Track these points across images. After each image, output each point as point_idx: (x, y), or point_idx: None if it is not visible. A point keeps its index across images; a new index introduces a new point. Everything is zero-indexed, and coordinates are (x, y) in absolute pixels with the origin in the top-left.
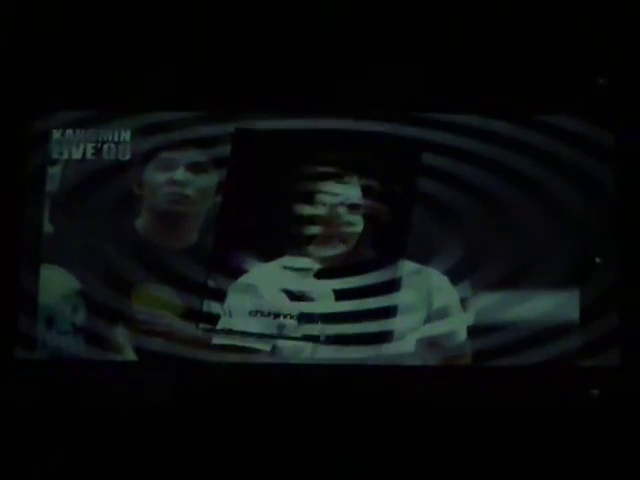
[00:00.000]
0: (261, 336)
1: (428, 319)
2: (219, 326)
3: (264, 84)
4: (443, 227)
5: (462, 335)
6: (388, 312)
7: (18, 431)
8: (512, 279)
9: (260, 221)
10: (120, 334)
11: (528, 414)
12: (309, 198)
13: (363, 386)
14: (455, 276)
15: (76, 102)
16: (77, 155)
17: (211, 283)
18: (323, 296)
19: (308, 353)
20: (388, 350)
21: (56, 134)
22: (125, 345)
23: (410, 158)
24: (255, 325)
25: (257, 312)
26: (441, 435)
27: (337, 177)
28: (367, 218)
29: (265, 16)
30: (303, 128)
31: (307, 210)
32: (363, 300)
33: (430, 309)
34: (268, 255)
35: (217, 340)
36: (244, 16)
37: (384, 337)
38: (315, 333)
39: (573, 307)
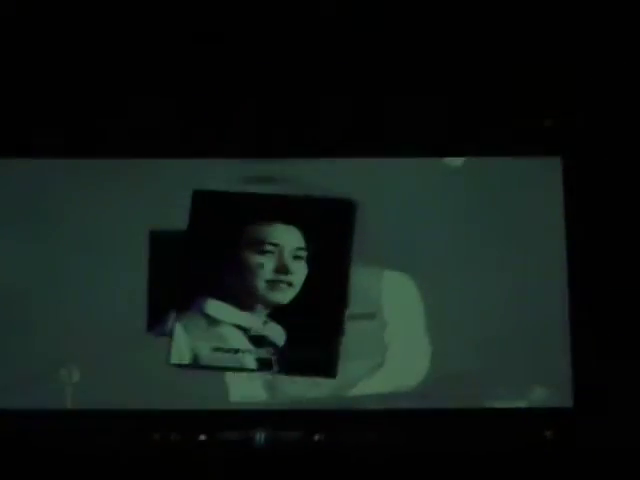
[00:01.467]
0: (221, 369)
1: (381, 364)
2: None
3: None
4: (392, 271)
5: (415, 380)
6: (332, 356)
7: None
8: (470, 325)
9: (217, 269)
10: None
11: (485, 457)
12: (258, 247)
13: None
14: (411, 322)
15: None
16: None
17: (175, 321)
18: (276, 337)
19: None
20: (345, 392)
21: None
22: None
23: (347, 209)
24: (216, 359)
25: (219, 349)
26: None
27: (282, 226)
28: (310, 264)
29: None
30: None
31: (257, 259)
32: (310, 343)
33: (384, 354)
34: (225, 299)
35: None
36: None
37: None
38: (270, 372)
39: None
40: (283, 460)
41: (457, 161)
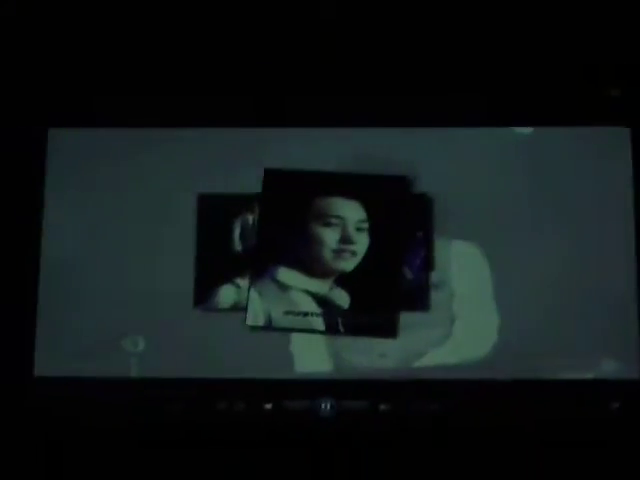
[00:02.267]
0: (292, 331)
1: (448, 335)
2: (248, 322)
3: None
4: (460, 241)
5: (482, 351)
6: (392, 319)
7: None
8: (536, 296)
9: (287, 240)
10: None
11: (549, 429)
12: (324, 220)
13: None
14: (479, 293)
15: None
16: None
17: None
18: (342, 301)
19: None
20: (411, 363)
21: None
22: None
23: (403, 185)
24: (288, 322)
25: (290, 312)
26: (459, 452)
27: (345, 200)
28: (372, 235)
29: None
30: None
31: (323, 230)
32: (372, 307)
33: (452, 325)
34: (294, 267)
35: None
36: None
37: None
38: (336, 334)
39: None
40: (348, 430)
41: (523, 130)
